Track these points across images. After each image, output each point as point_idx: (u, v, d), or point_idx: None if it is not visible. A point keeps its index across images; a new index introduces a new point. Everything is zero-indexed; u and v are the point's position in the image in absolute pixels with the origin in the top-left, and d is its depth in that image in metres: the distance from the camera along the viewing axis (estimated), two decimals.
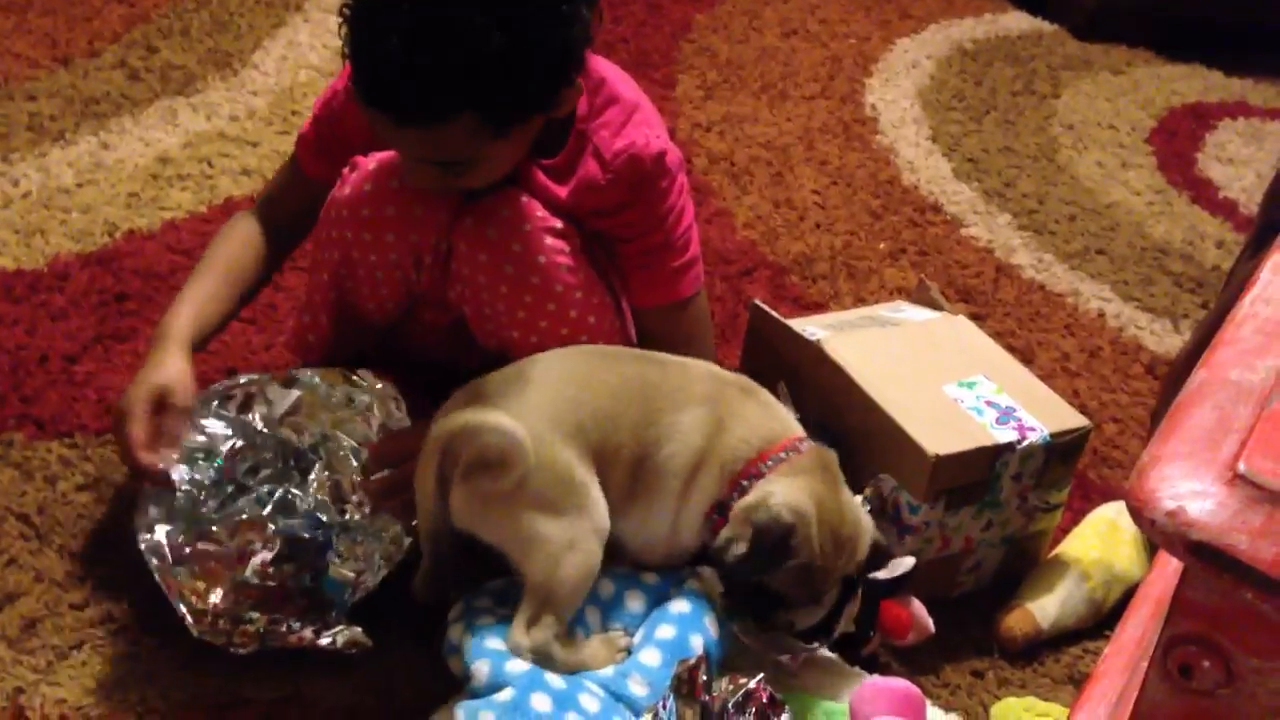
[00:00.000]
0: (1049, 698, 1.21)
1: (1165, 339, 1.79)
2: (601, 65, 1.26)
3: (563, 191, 1.24)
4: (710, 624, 1.10)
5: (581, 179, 1.24)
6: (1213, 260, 1.99)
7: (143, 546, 1.13)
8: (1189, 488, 0.48)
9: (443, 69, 1.06)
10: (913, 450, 1.24)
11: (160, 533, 1.14)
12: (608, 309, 1.26)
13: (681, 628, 1.08)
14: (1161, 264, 1.97)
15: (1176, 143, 2.36)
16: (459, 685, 1.07)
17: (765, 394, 1.22)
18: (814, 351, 1.36)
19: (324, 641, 1.10)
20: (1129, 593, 1.27)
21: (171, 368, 1.17)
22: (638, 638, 1.10)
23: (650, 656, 1.06)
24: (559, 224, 1.22)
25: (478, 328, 1.27)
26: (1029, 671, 1.25)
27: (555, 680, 1.01)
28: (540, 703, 0.98)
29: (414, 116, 1.09)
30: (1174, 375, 1.35)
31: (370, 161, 1.23)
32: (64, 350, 1.43)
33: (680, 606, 1.11)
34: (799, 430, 1.19)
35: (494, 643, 1.04)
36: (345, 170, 1.25)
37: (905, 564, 1.19)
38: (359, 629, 1.12)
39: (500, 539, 1.10)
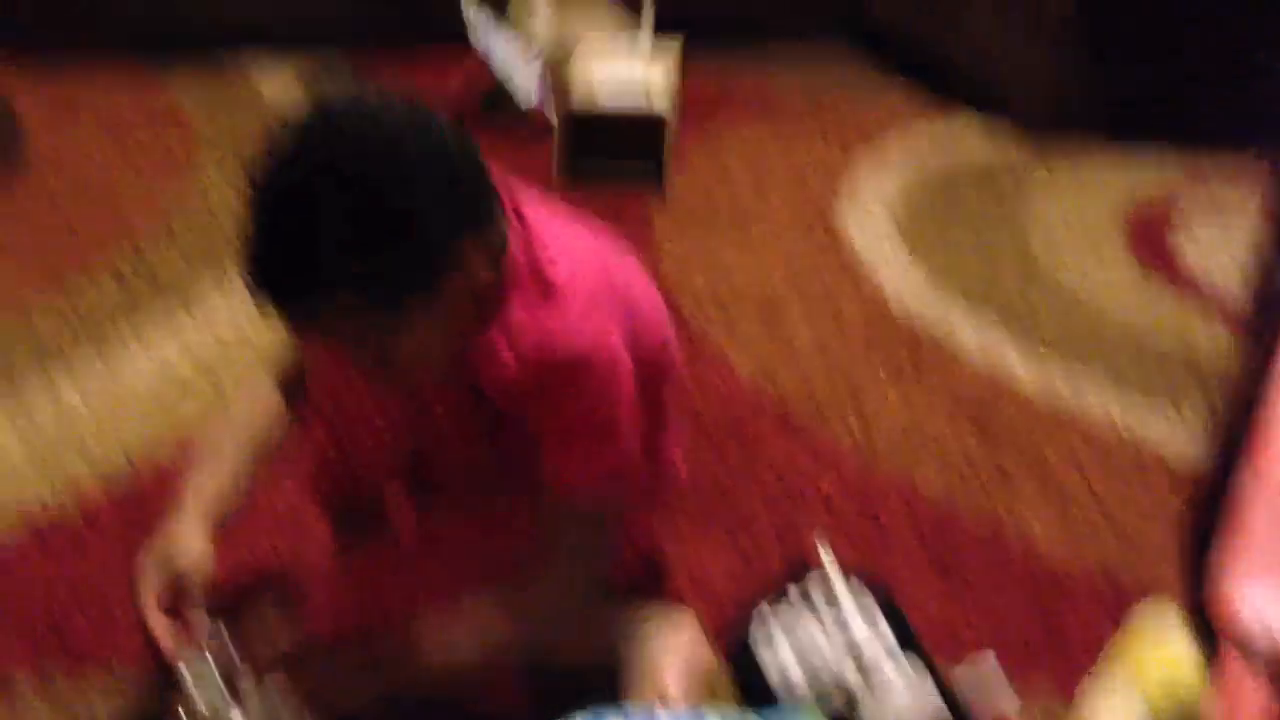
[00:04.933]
0: None
1: (1178, 440, 1.80)
2: (542, 245, 1.23)
3: (480, 369, 1.23)
4: None
5: (494, 360, 1.22)
6: (1204, 349, 2.03)
7: None
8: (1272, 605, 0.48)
9: (295, 256, 1.06)
10: None
11: None
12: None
13: None
14: (1159, 361, 2.00)
15: (1149, 230, 2.41)
16: None
17: None
18: None
19: None
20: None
21: (194, 548, 1.18)
22: None
23: None
24: None
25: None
26: None
27: None
28: None
29: (285, 305, 1.09)
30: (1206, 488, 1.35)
31: None
32: (94, 581, 1.43)
33: None
34: None
35: None
36: None
37: (986, 659, 1.28)
38: None
39: None
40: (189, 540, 1.19)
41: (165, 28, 2.98)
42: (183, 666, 1.14)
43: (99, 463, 1.60)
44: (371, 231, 1.07)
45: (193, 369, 1.80)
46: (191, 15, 2.96)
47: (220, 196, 2.31)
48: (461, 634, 1.23)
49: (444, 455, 1.37)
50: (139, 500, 1.55)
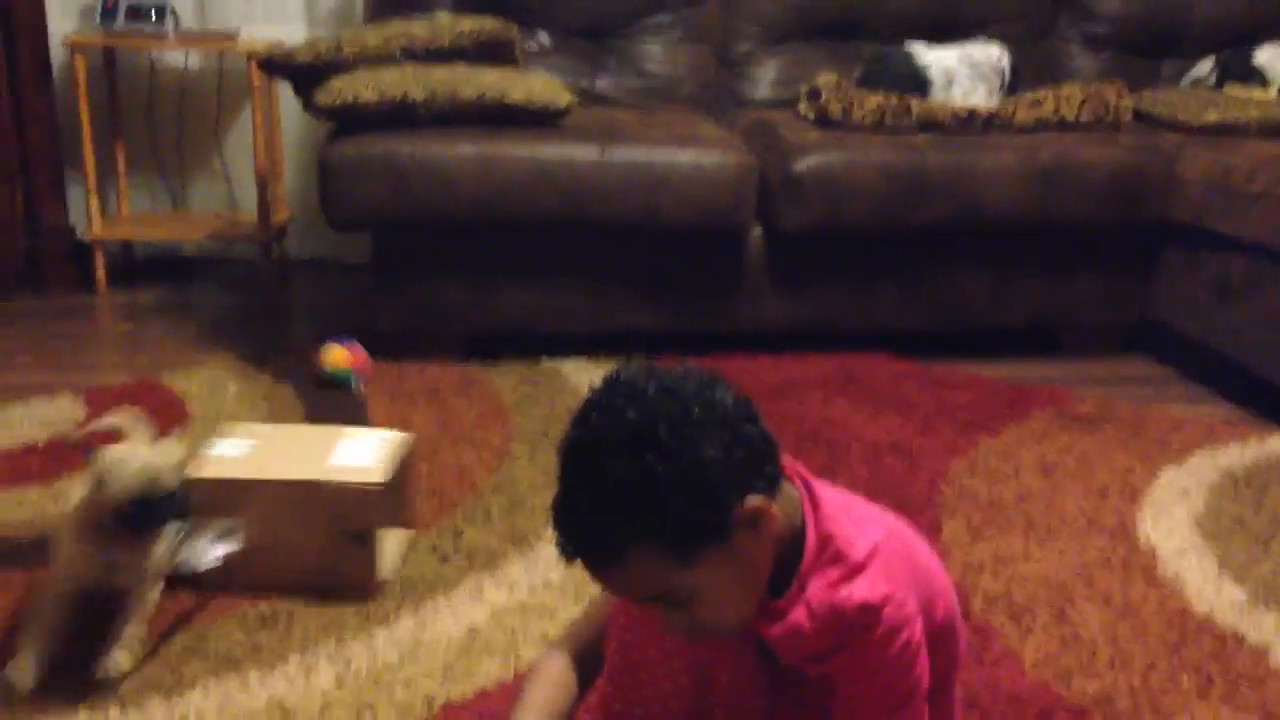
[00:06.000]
0: None
1: None
2: (834, 520, 1.31)
3: (774, 633, 1.30)
4: None
5: (790, 624, 1.28)
6: None
7: None
8: None
9: (595, 512, 1.18)
10: None
11: None
12: None
13: None
14: None
15: None
16: None
17: None
18: None
19: None
20: None
21: None
22: None
23: None
24: None
25: None
26: None
27: None
28: None
29: (591, 558, 1.21)
30: None
31: None
32: None
33: None
34: None
35: None
36: None
37: None
38: None
39: None
40: None
41: (493, 337, 3.32)
42: None
43: (403, 708, 1.71)
44: (659, 485, 1.17)
45: (495, 630, 1.92)
46: (516, 326, 3.30)
47: (530, 482, 2.49)
48: None
49: (722, 717, 1.41)
50: None
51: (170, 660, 1.82)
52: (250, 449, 2.07)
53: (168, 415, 2.80)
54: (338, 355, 2.66)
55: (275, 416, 2.81)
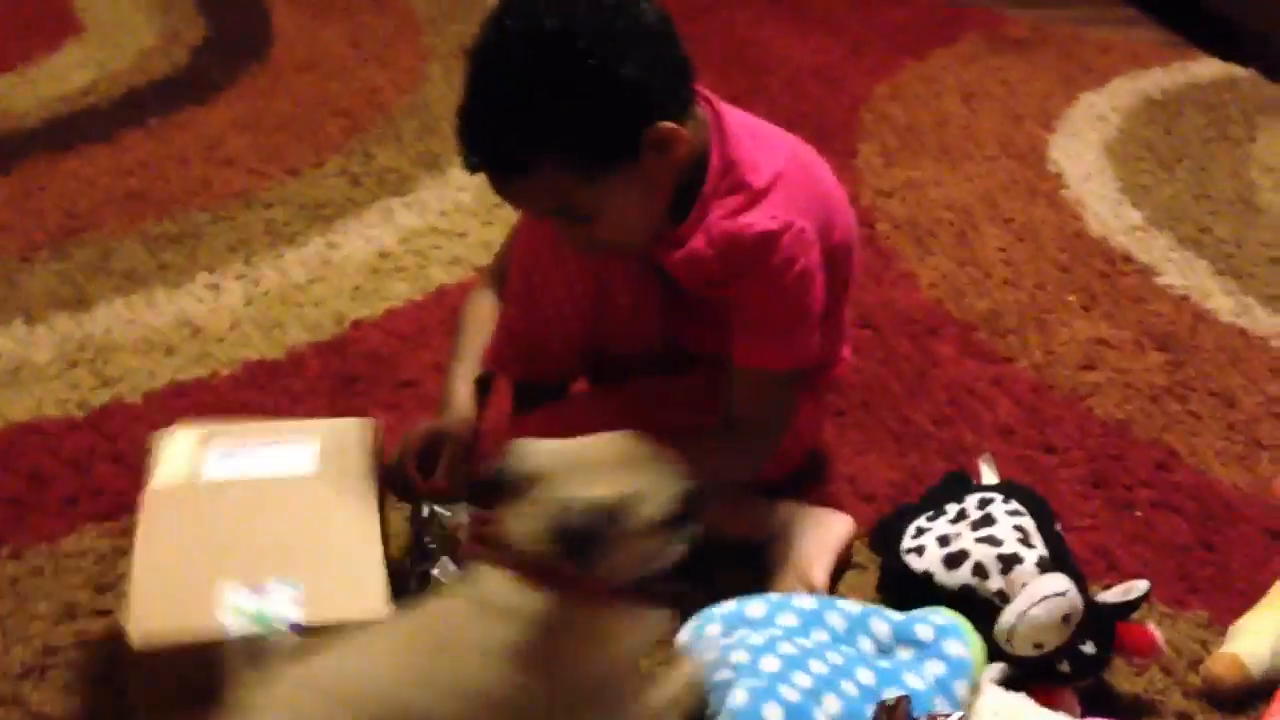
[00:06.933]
0: None
1: None
2: (739, 146, 1.28)
3: (674, 258, 1.29)
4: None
5: (690, 250, 1.27)
6: None
7: None
8: None
9: (505, 118, 1.13)
10: None
11: None
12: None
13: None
14: None
15: None
16: None
17: None
18: None
19: None
20: None
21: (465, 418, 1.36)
22: None
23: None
24: None
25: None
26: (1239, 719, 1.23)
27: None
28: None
29: (496, 167, 1.17)
30: None
31: None
32: (293, 411, 1.57)
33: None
34: None
35: None
36: None
37: (1139, 587, 1.20)
38: None
39: None
40: (462, 411, 1.36)
41: None
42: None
43: (312, 326, 1.75)
44: (572, 95, 1.12)
45: (405, 253, 1.94)
46: None
47: (444, 104, 2.44)
48: None
49: (621, 338, 1.44)
50: (341, 356, 1.70)
51: (75, 277, 1.83)
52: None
53: (59, 23, 2.67)
54: None
55: (173, 27, 2.67)
